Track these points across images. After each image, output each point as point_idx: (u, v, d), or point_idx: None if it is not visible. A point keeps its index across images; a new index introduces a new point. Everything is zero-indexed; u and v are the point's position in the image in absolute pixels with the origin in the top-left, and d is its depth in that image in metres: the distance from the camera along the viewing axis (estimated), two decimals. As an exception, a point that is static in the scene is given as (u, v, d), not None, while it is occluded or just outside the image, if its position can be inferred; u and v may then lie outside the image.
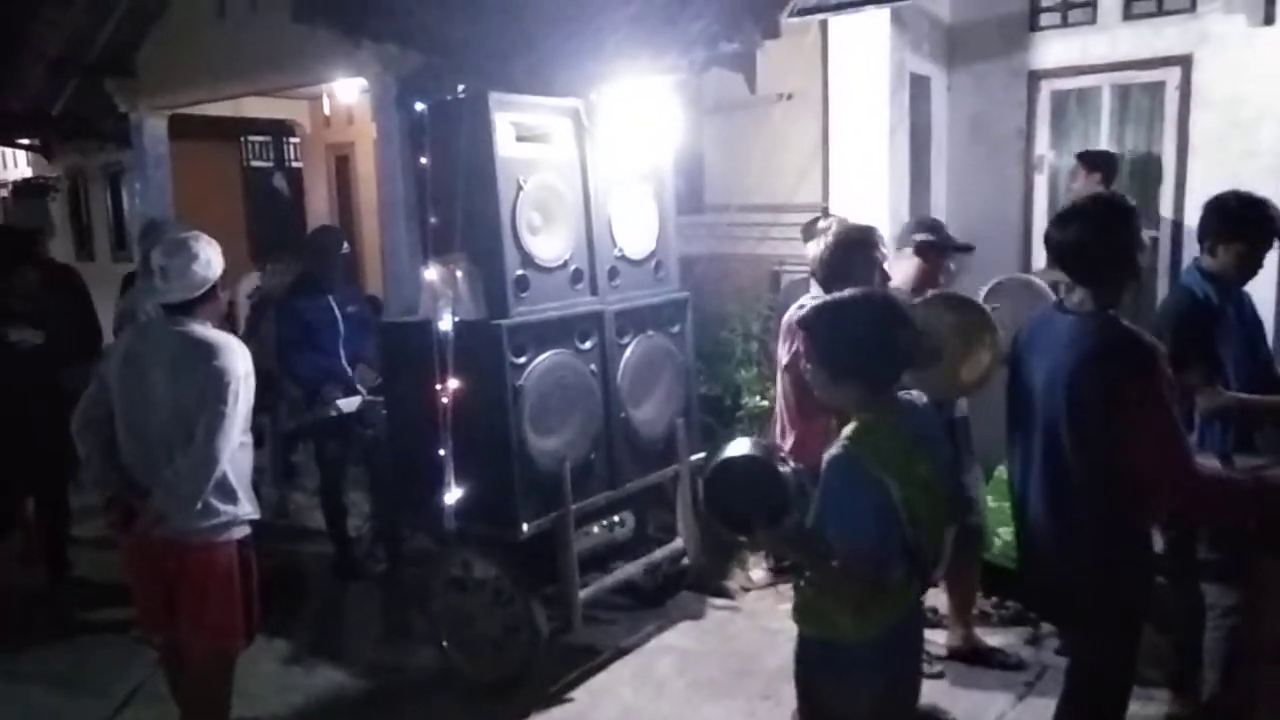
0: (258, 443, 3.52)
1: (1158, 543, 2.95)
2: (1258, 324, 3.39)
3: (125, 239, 12.18)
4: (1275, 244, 3.27)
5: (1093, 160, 5.33)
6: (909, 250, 3.64)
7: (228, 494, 3.10)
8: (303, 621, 4.80)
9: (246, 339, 3.37)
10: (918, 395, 2.43)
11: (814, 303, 2.75)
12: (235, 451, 3.09)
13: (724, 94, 6.39)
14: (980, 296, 3.65)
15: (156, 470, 3.05)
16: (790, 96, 6.26)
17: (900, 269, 3.66)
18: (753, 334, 5.96)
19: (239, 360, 3.10)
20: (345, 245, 5.37)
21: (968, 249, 3.86)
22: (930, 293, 3.43)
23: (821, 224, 3.75)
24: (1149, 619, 2.71)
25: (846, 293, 2.43)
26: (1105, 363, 2.40)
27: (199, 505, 3.03)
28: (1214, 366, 3.09)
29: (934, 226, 3.67)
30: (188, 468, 3.00)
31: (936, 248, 3.62)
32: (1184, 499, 2.53)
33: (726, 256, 6.31)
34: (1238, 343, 3.19)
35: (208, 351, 3.05)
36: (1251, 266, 3.22)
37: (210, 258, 3.13)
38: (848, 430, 2.29)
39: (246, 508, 3.17)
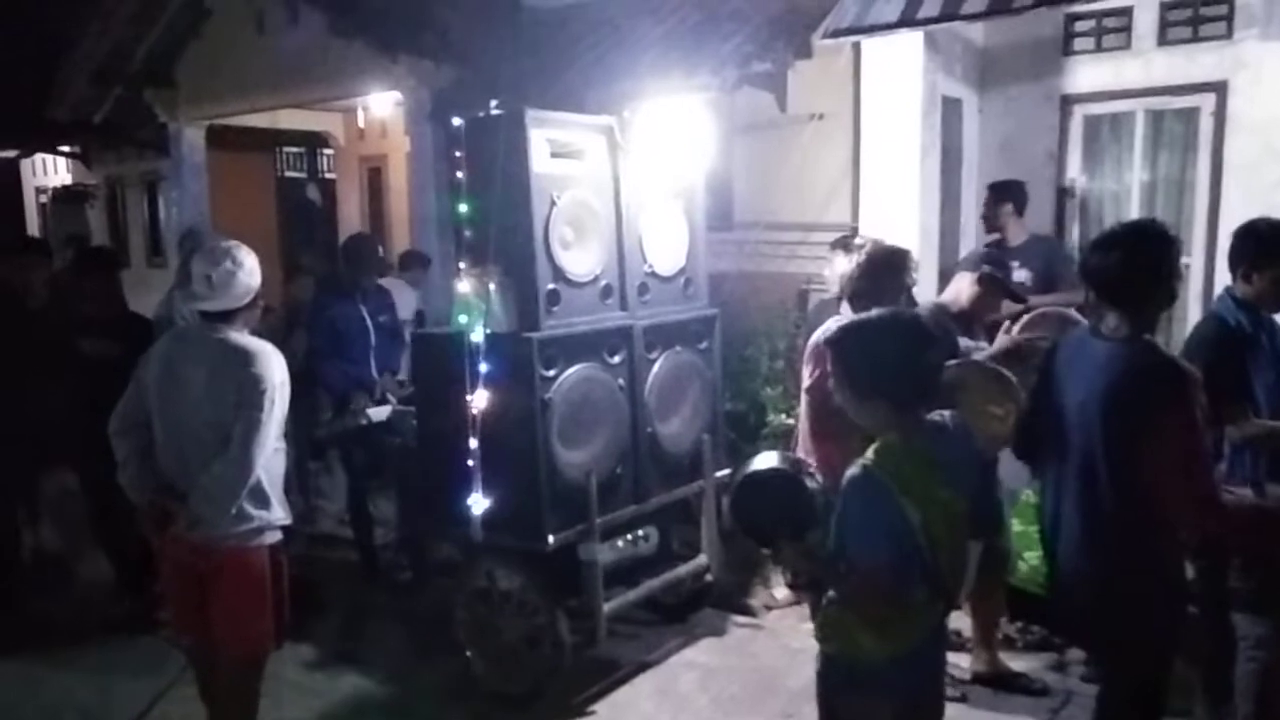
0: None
1: (1188, 572, 2.92)
2: (1289, 352, 3.37)
3: (161, 246, 12.35)
4: None
5: (1001, 192, 5.34)
6: (971, 276, 3.67)
7: (261, 499, 3.14)
8: (327, 628, 4.84)
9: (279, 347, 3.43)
10: (950, 416, 2.43)
11: (840, 324, 2.77)
12: (269, 457, 3.13)
13: (754, 113, 6.42)
14: (1019, 326, 3.69)
15: (192, 475, 3.09)
16: (821, 117, 6.29)
17: (956, 288, 3.71)
18: (779, 352, 5.97)
19: (275, 367, 3.14)
20: (380, 251, 5.41)
21: (1021, 301, 3.91)
22: (968, 357, 3.52)
23: (856, 241, 3.77)
24: (1180, 648, 2.69)
25: (874, 313, 2.44)
26: (1143, 389, 2.40)
27: (233, 510, 3.07)
28: (1247, 394, 3.08)
29: (1004, 265, 3.73)
30: (223, 473, 3.04)
31: (998, 284, 3.66)
32: (1212, 526, 2.51)
33: (754, 274, 6.33)
34: (1269, 370, 3.17)
35: (245, 358, 3.10)
36: None
37: (253, 267, 3.19)
38: (869, 450, 2.30)
39: (279, 513, 3.21)
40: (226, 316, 3.17)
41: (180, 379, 3.15)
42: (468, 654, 4.13)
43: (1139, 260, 2.52)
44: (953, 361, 3.34)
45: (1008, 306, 4.00)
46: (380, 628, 4.99)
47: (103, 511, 4.86)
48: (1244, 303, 3.18)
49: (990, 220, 5.42)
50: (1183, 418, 2.36)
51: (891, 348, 2.32)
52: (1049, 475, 2.69)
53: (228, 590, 3.14)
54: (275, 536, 3.24)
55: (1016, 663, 4.13)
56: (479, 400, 3.71)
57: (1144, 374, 2.42)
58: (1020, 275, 5.13)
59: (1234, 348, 3.10)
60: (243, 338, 3.20)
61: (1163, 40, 5.41)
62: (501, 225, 3.73)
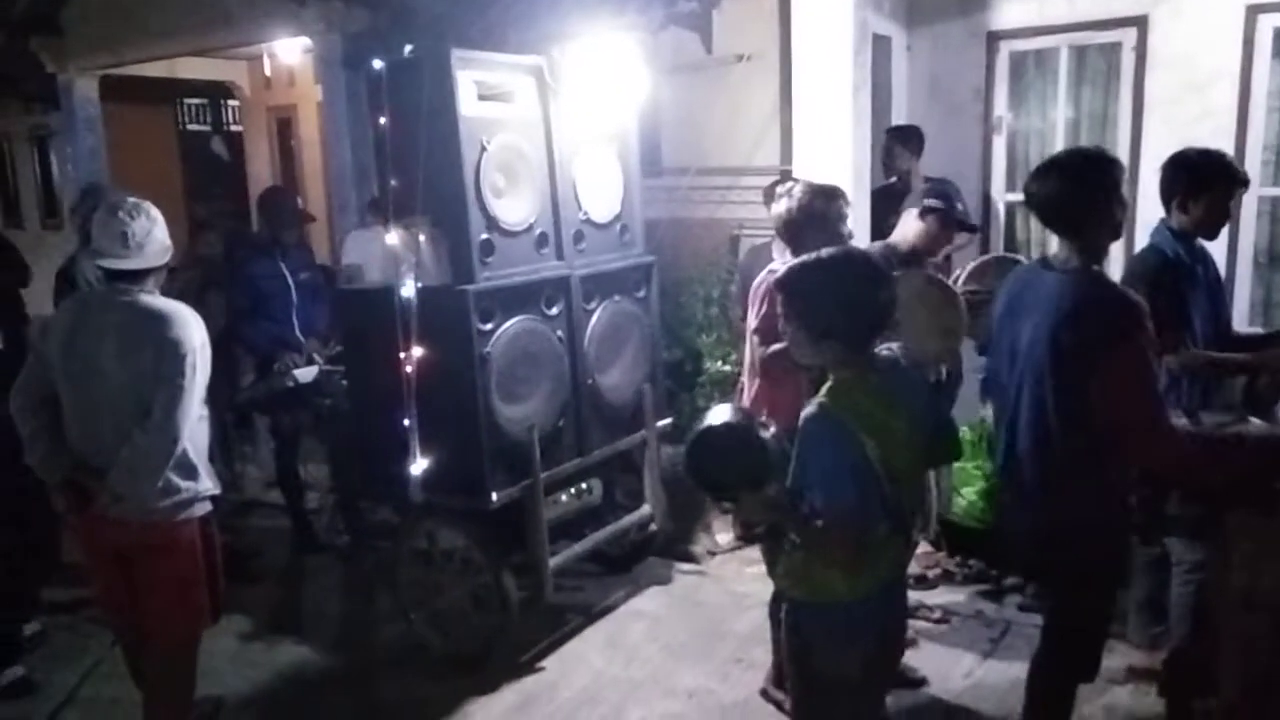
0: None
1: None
2: (1219, 282, 3.44)
3: (56, 206, 11.72)
4: (1238, 192, 3.33)
5: (900, 136, 5.51)
6: (916, 212, 3.63)
7: (188, 470, 2.97)
8: (263, 597, 4.70)
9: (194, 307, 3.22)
10: (899, 350, 2.41)
11: (789, 264, 2.70)
12: (194, 425, 2.96)
13: (681, 55, 6.30)
14: (964, 273, 3.69)
15: (109, 450, 2.89)
16: (748, 58, 6.20)
17: (903, 228, 3.67)
18: (713, 299, 5.93)
19: (194, 331, 2.96)
20: (300, 203, 5.17)
21: (972, 229, 3.89)
22: (921, 268, 3.50)
23: (780, 189, 3.71)
24: (1125, 576, 2.75)
25: (825, 252, 2.39)
26: (1091, 321, 2.40)
27: (160, 484, 2.90)
28: (1185, 324, 3.12)
29: (947, 196, 3.68)
30: (146, 446, 2.86)
31: (943, 216, 3.63)
32: (1159, 456, 2.54)
33: (685, 221, 6.25)
34: (1204, 300, 3.22)
35: (161, 323, 2.91)
36: (1221, 217, 3.24)
37: (165, 224, 2.99)
38: (824, 389, 2.27)
39: (207, 483, 3.05)
40: (138, 277, 2.96)
41: (89, 347, 2.94)
42: (411, 617, 4.04)
43: (1075, 185, 2.51)
44: (900, 271, 3.30)
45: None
46: (318, 595, 4.86)
47: None
48: (1180, 233, 3.22)
49: (889, 164, 5.45)
50: (1134, 350, 2.37)
51: (844, 287, 2.28)
52: (1002, 410, 2.69)
53: (158, 569, 2.98)
54: (205, 508, 3.08)
55: (956, 595, 4.24)
56: (413, 357, 3.58)
57: (1094, 307, 2.42)
58: None
59: (1172, 278, 3.14)
60: (156, 300, 3.00)
61: (1085, -25, 5.41)
62: (429, 173, 3.56)
